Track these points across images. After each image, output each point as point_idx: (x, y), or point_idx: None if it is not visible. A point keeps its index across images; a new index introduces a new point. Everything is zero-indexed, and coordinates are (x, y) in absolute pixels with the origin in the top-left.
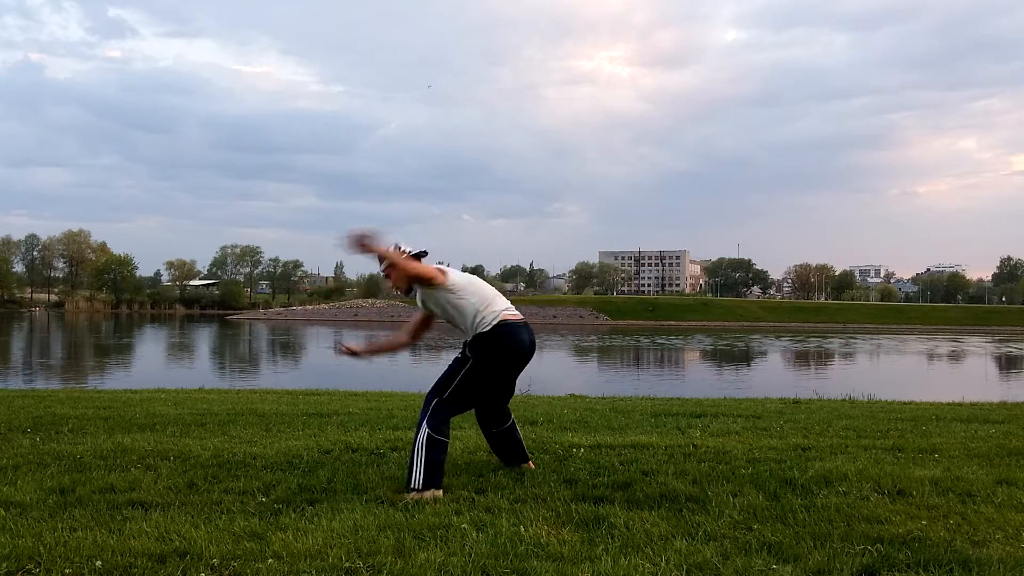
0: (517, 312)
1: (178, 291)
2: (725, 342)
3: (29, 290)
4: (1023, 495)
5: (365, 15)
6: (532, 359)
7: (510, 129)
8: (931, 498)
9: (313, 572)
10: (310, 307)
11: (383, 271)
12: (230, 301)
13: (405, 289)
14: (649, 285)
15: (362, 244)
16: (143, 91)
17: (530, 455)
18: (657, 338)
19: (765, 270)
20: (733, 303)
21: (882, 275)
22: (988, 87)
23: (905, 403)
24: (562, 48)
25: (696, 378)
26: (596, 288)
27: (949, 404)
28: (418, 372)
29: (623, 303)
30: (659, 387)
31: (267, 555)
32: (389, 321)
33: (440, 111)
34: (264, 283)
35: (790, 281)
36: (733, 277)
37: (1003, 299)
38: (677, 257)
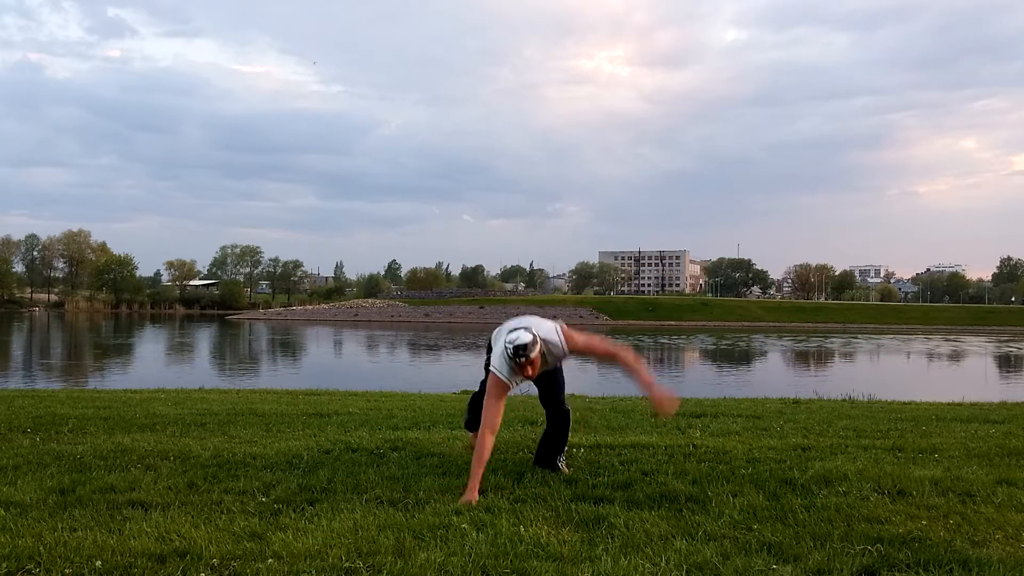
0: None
1: (178, 291)
2: (727, 342)
3: (29, 290)
4: (1023, 495)
5: (365, 15)
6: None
7: (510, 129)
8: (931, 498)
9: (313, 572)
10: (310, 307)
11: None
12: (230, 301)
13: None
14: (649, 285)
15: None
16: (142, 91)
17: (531, 455)
18: (660, 338)
19: (765, 270)
20: (733, 303)
21: (882, 275)
22: (988, 87)
23: (905, 403)
24: (562, 48)
25: (696, 378)
26: (596, 288)
27: (949, 404)
28: (418, 372)
29: (623, 303)
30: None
31: (267, 555)
32: (389, 321)
33: (440, 111)
34: (264, 283)
35: (790, 281)
36: (733, 277)
37: (1012, 299)
38: (677, 257)
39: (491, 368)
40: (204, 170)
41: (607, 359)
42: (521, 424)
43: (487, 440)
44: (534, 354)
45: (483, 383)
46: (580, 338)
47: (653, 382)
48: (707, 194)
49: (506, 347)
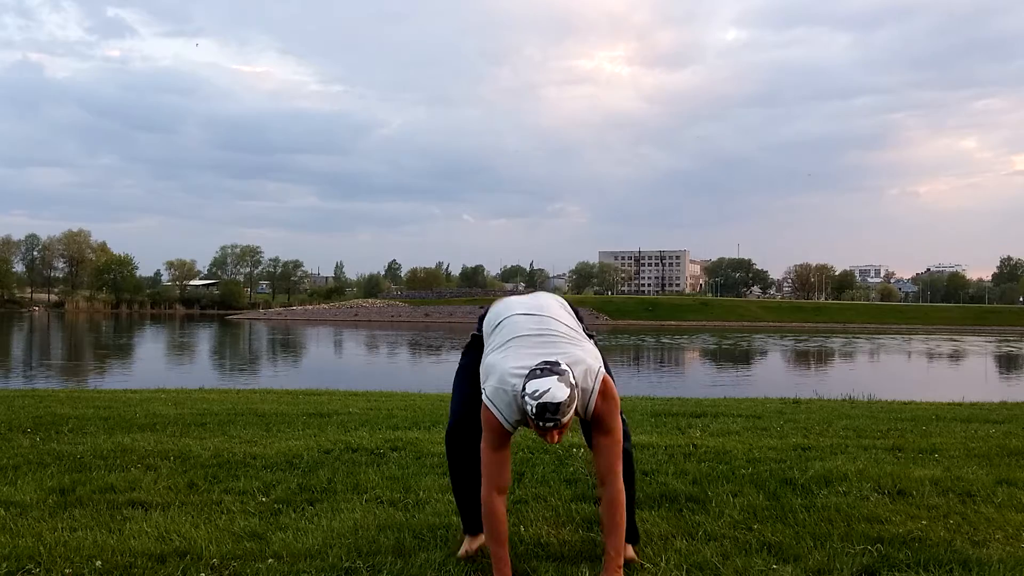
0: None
1: (178, 291)
2: (729, 342)
3: (29, 290)
4: (1023, 495)
5: (365, 15)
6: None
7: (510, 129)
8: (931, 498)
9: (313, 572)
10: (310, 307)
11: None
12: (230, 301)
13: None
14: (649, 285)
15: None
16: (142, 91)
17: (531, 455)
18: (662, 338)
19: (765, 270)
20: (733, 303)
21: (882, 275)
22: (989, 86)
23: (905, 403)
24: (562, 48)
25: (696, 378)
26: (596, 288)
27: (949, 404)
28: (418, 373)
29: (623, 303)
30: (659, 387)
31: (267, 555)
32: (389, 321)
33: (440, 111)
34: (264, 283)
35: (790, 281)
36: (733, 277)
37: (1022, 299)
38: (677, 257)
39: (486, 401)
40: (204, 170)
41: (596, 449)
42: None
43: (498, 505)
44: (566, 419)
45: (458, 415)
46: (614, 407)
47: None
48: (707, 194)
49: (525, 400)
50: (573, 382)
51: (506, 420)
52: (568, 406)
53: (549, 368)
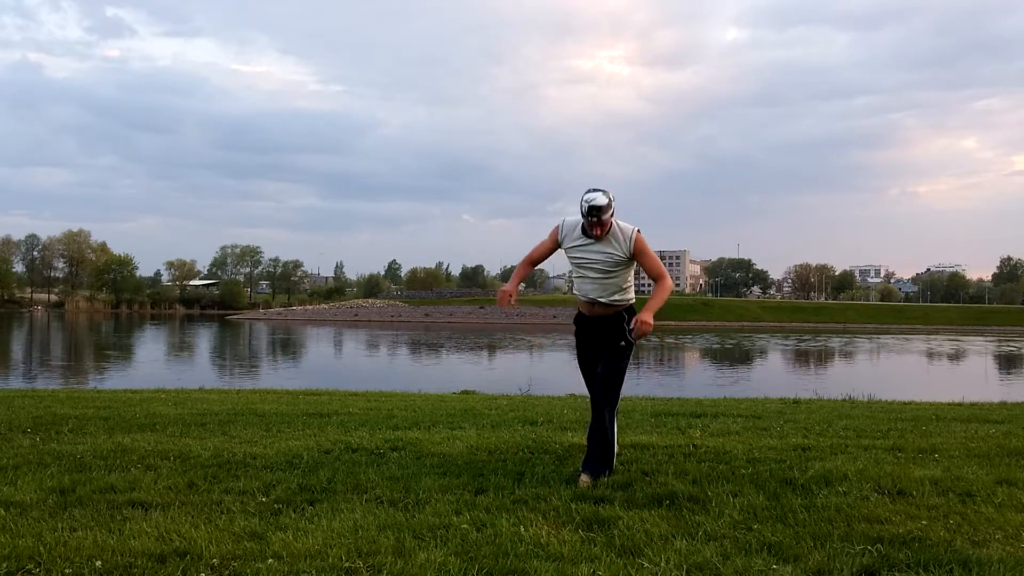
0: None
1: (178, 291)
2: (731, 342)
3: (29, 290)
4: (1023, 495)
5: (365, 14)
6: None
7: (510, 129)
8: (931, 498)
9: (313, 572)
10: (310, 307)
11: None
12: (230, 301)
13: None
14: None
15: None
16: (142, 91)
17: (531, 455)
18: (664, 338)
19: (765, 270)
20: (733, 303)
21: (882, 275)
22: (989, 87)
23: (905, 403)
24: (562, 48)
25: (696, 378)
26: None
27: (949, 404)
28: (418, 373)
29: None
30: (659, 387)
31: (267, 555)
32: (389, 321)
33: (440, 111)
34: (264, 283)
35: (790, 281)
36: (733, 277)
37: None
38: (677, 257)
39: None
40: (204, 170)
41: (652, 277)
42: (521, 424)
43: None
44: (606, 216)
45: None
46: (648, 249)
47: (651, 308)
48: (707, 194)
49: (581, 204)
50: (611, 198)
51: (564, 228)
52: (606, 210)
53: (599, 190)
